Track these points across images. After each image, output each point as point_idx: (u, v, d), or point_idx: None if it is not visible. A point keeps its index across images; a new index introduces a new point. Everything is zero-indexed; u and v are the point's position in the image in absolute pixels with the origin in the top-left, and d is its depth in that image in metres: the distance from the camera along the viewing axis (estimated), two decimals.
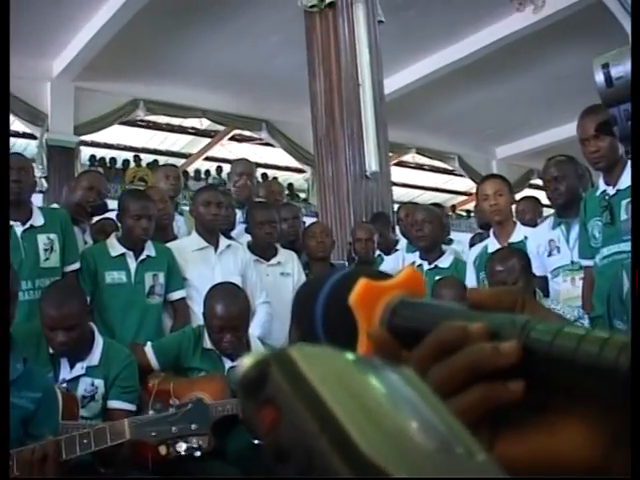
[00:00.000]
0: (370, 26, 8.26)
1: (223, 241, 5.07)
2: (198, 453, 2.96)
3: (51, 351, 3.70)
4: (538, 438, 0.56)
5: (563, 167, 4.69)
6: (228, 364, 4.03)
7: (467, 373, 0.56)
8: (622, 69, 0.86)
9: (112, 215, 5.26)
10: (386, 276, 0.69)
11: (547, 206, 6.30)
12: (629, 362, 0.49)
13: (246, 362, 0.45)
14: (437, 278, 4.90)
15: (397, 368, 0.50)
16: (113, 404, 3.75)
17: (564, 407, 0.55)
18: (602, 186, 4.18)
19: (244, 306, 4.19)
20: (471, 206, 16.52)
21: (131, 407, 3.77)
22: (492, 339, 0.56)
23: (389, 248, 6.47)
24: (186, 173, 16.83)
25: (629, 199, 4.01)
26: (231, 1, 11.12)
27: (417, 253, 5.49)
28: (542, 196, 5.62)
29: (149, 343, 4.21)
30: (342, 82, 8.02)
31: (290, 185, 17.99)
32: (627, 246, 3.97)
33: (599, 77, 0.88)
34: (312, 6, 8.18)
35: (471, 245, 6.12)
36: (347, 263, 6.36)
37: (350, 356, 0.47)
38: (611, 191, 4.09)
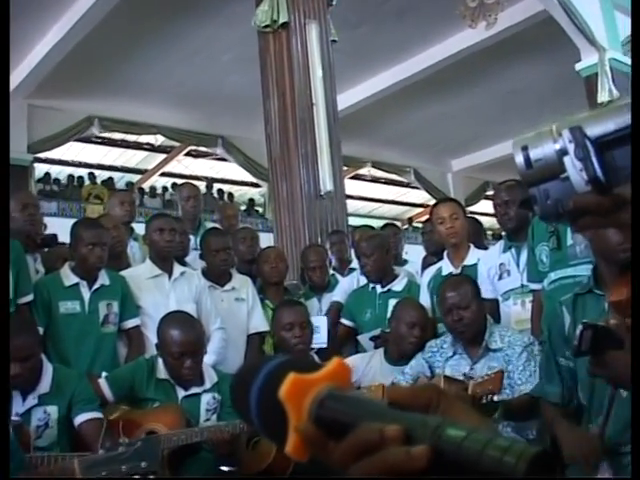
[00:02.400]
0: (323, 46, 8.32)
1: (177, 268, 5.07)
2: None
3: None
4: None
5: (513, 192, 4.73)
6: (182, 394, 4.02)
7: (382, 474, 0.62)
8: (540, 152, 0.91)
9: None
10: (316, 366, 0.73)
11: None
12: (526, 468, 0.55)
13: None
14: (394, 301, 4.96)
15: None
16: (81, 418, 3.75)
17: None
18: None
19: (200, 331, 4.21)
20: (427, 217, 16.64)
21: (99, 415, 3.77)
22: (406, 441, 0.62)
23: (344, 267, 6.50)
24: (141, 190, 16.76)
25: None
26: (185, 20, 11.15)
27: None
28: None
29: (103, 375, 4.19)
30: (296, 102, 8.05)
31: (251, 200, 18.00)
32: (574, 271, 4.05)
33: (519, 159, 0.93)
34: (265, 26, 8.22)
35: (423, 267, 6.16)
36: (301, 284, 6.38)
37: None
38: None
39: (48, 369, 3.83)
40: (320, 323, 5.26)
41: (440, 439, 0.60)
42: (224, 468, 3.85)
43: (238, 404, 0.77)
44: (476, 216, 7.70)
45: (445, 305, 4.25)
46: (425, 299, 5.18)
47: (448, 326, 4.28)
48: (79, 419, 3.75)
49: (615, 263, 2.76)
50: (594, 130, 0.91)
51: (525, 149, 0.95)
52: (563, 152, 0.92)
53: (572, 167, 0.91)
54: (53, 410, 3.74)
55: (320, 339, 5.18)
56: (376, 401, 0.70)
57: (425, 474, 0.60)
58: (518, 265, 4.69)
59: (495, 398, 3.49)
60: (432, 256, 6.23)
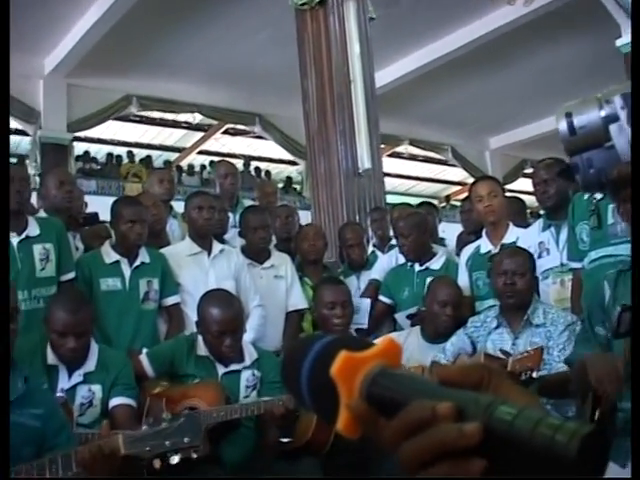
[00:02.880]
0: (361, 23, 8.28)
1: (216, 246, 5.10)
2: (194, 455, 2.99)
3: (49, 361, 3.72)
4: None
5: (552, 170, 4.69)
6: (222, 370, 4.05)
7: (433, 451, 0.62)
8: (585, 119, 0.89)
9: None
10: (367, 344, 0.73)
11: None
12: (578, 447, 0.55)
13: None
14: (430, 279, 4.97)
15: None
16: (116, 401, 3.78)
17: None
18: None
19: (240, 309, 4.23)
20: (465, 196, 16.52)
21: (133, 403, 3.81)
22: (458, 418, 0.62)
23: (384, 245, 6.49)
24: (179, 168, 16.82)
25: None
26: None
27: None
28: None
29: (144, 351, 4.24)
30: (334, 79, 8.04)
31: (289, 178, 18.00)
32: (615, 250, 4.02)
33: (562, 126, 0.90)
34: (303, 4, 8.20)
35: (458, 245, 6.14)
36: (340, 262, 6.39)
37: None
38: (598, 195, 4.12)
39: (94, 348, 3.87)
40: (361, 304, 5.27)
41: (492, 417, 0.60)
42: (284, 440, 3.89)
43: (289, 381, 0.78)
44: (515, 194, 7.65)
45: (499, 269, 4.24)
46: (463, 278, 5.17)
47: (498, 291, 4.27)
48: (115, 401, 3.78)
49: None
50: None
51: (569, 116, 0.93)
52: (610, 119, 0.89)
53: (619, 135, 0.88)
54: (97, 389, 3.78)
55: (360, 319, 5.19)
56: (428, 379, 0.70)
57: (476, 452, 0.60)
58: (557, 244, 4.66)
59: (534, 375, 3.48)
60: (469, 235, 6.21)
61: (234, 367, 4.07)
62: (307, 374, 0.74)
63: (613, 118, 0.89)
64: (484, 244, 5.16)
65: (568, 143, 0.93)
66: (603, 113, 0.90)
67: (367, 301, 5.35)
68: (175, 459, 2.85)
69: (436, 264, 5.34)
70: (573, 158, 0.94)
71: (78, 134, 13.97)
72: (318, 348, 0.75)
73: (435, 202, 12.01)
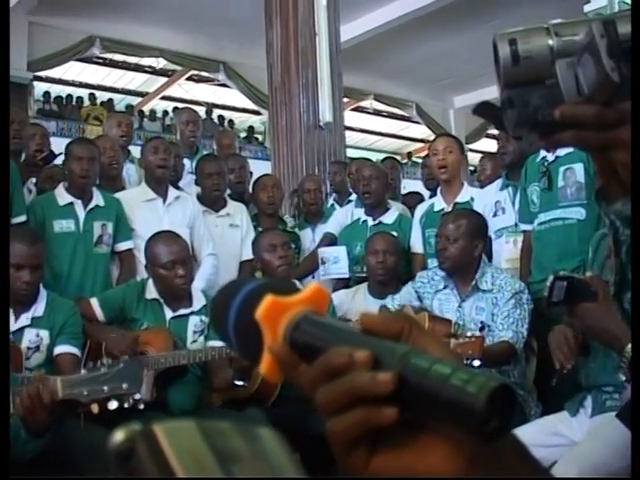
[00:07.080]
0: None
1: (172, 192, 5.09)
2: (142, 406, 3.00)
3: None
4: (410, 455, 0.65)
5: None
6: (169, 314, 4.05)
7: (348, 397, 0.64)
8: (531, 48, 0.83)
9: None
10: (294, 290, 0.75)
11: None
12: (486, 398, 0.58)
13: (118, 437, 0.52)
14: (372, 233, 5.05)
15: (251, 431, 0.57)
16: (61, 349, 3.77)
17: (433, 429, 0.64)
18: (542, 152, 4.24)
19: (185, 244, 4.24)
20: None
21: (78, 352, 3.81)
22: (374, 366, 0.64)
23: (342, 198, 6.51)
24: (141, 113, 16.65)
25: (567, 166, 4.09)
26: None
27: (364, 208, 5.55)
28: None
29: (95, 296, 4.24)
30: (299, 31, 8.00)
31: (251, 128, 17.90)
32: (563, 212, 4.07)
33: (505, 53, 0.82)
34: None
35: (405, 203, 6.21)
36: (296, 215, 6.41)
37: (206, 428, 0.54)
38: (550, 157, 4.16)
39: (43, 293, 3.87)
40: (339, 253, 5.28)
41: (406, 366, 0.62)
42: (238, 382, 3.89)
43: (217, 323, 0.79)
44: (475, 153, 7.70)
45: (438, 231, 4.27)
46: (417, 235, 5.20)
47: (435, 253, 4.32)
48: (60, 349, 3.77)
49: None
50: (625, 28, 0.81)
51: (514, 43, 0.87)
52: (558, 53, 0.84)
53: (566, 72, 0.84)
54: (45, 335, 3.77)
55: (341, 269, 5.21)
56: (350, 327, 0.72)
57: (390, 400, 0.62)
58: (513, 204, 4.68)
59: (475, 363, 3.44)
60: (428, 190, 6.27)
61: (182, 311, 4.06)
62: (234, 316, 0.75)
63: (562, 52, 0.85)
64: (438, 202, 5.18)
65: (509, 73, 0.87)
66: (552, 44, 0.85)
67: (343, 248, 5.33)
68: (114, 404, 2.85)
69: (389, 218, 5.37)
70: (508, 92, 0.89)
71: (39, 74, 13.74)
72: (246, 291, 0.76)
73: (397, 158, 12.04)
